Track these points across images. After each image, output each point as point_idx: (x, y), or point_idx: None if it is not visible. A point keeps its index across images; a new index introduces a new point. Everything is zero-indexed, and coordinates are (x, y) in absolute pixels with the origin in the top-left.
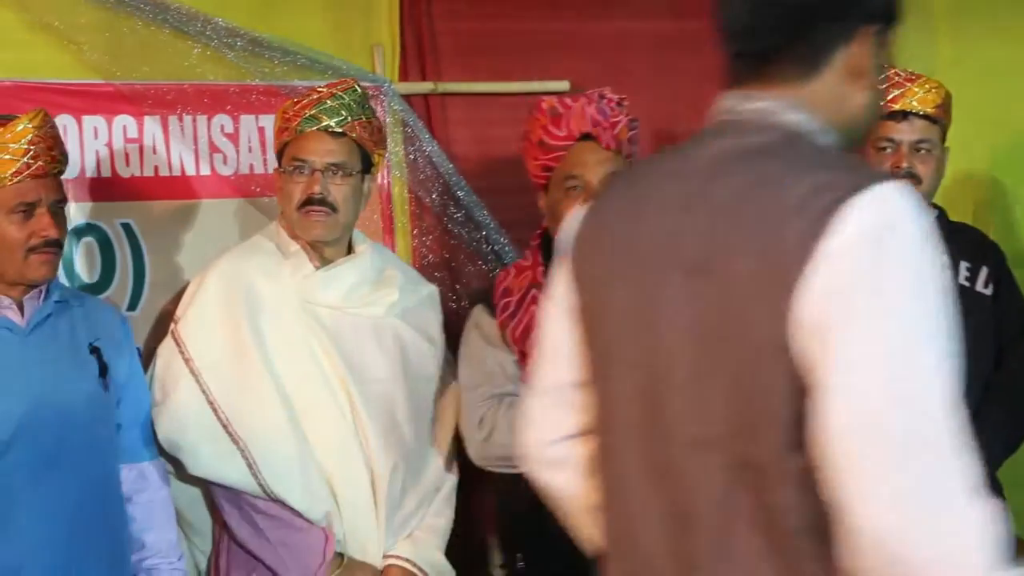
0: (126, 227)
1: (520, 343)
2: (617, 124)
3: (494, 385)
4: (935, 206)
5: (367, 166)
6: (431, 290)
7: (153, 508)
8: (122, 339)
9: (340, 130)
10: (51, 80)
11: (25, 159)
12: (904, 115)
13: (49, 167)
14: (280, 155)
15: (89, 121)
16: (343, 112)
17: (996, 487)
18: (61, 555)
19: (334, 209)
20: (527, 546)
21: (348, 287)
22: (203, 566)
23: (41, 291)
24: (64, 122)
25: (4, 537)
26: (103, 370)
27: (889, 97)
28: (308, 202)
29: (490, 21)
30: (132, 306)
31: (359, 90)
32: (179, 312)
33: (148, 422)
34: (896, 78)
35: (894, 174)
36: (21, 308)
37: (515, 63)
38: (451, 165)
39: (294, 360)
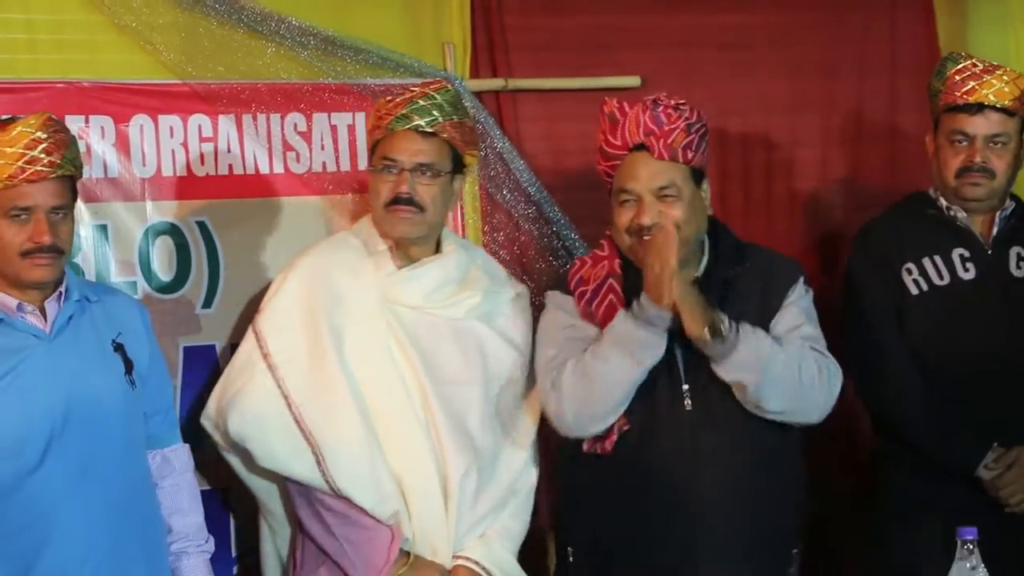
0: (201, 225)
1: (604, 321)
2: (672, 132)
3: (570, 352)
4: (1013, 197)
5: (458, 166)
6: (519, 291)
7: (179, 492)
8: (142, 329)
9: (430, 130)
10: (128, 80)
11: (20, 163)
12: (979, 108)
13: (48, 172)
14: (372, 152)
15: (165, 121)
16: (434, 112)
17: None
18: (105, 558)
19: (421, 208)
20: (578, 540)
21: (430, 287)
22: (285, 554)
23: (60, 292)
24: (140, 122)
25: (47, 547)
26: (128, 367)
27: (965, 89)
28: (395, 200)
29: (561, 17)
30: (207, 303)
31: (452, 90)
32: (262, 305)
33: (170, 408)
34: (973, 69)
35: (965, 168)
36: (43, 312)
37: (586, 59)
38: (522, 161)
39: (370, 359)
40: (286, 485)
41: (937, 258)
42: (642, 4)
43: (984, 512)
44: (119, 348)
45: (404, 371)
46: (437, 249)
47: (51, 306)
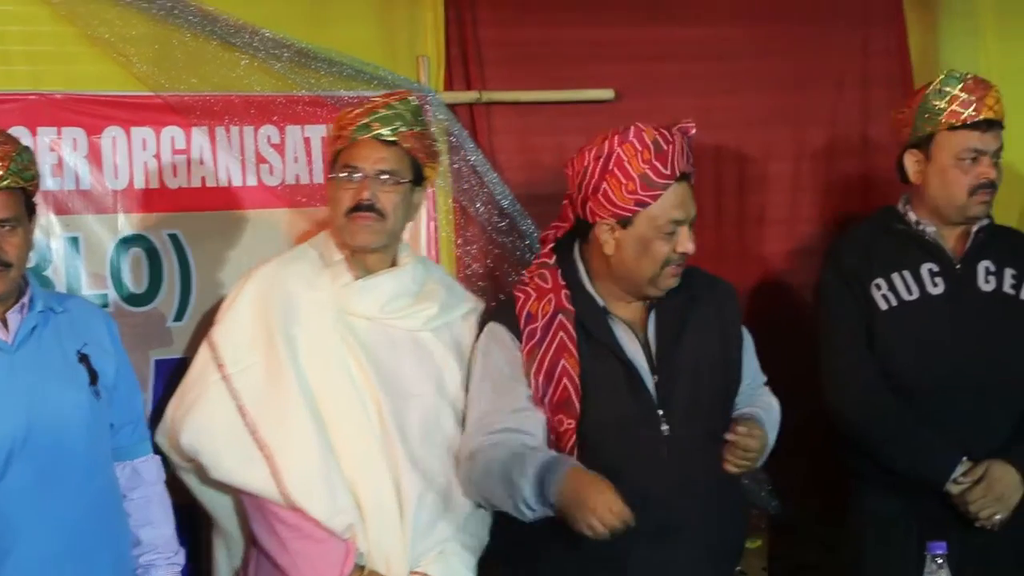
0: (173, 238)
1: (546, 375)
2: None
3: (500, 417)
4: None
5: (418, 177)
6: (473, 306)
7: (149, 504)
8: (108, 340)
9: (392, 139)
10: (100, 92)
11: None
12: (988, 124)
13: None
14: (333, 163)
15: (137, 133)
16: (396, 122)
17: None
18: (68, 570)
19: (382, 215)
20: (538, 570)
21: (386, 298)
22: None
23: (23, 304)
24: (113, 133)
25: (10, 557)
26: (93, 378)
27: (973, 106)
28: (357, 207)
29: (534, 30)
30: (179, 316)
31: (413, 102)
32: (217, 317)
33: (140, 419)
34: (975, 86)
35: (980, 186)
36: (5, 323)
37: (560, 72)
38: (495, 174)
39: (325, 369)
40: (240, 500)
41: (906, 273)
42: (616, 17)
43: (957, 528)
44: (84, 359)
45: (359, 381)
46: (394, 263)
47: (13, 317)
